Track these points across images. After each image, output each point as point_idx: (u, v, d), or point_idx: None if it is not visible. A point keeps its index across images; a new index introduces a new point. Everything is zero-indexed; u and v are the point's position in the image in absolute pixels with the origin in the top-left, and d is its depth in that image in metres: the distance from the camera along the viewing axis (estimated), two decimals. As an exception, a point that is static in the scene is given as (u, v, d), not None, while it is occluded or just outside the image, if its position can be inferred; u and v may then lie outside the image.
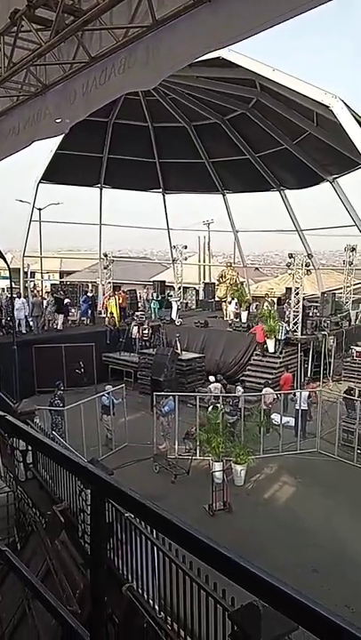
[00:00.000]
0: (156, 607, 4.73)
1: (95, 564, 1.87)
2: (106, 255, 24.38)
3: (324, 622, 0.99)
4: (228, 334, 20.09)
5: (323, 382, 18.18)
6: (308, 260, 20.31)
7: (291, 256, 19.81)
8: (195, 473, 11.38)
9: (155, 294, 25.27)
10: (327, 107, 15.18)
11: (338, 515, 9.90)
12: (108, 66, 4.40)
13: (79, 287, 25.31)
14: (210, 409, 13.25)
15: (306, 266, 19.49)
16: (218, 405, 13.03)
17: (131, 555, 4.92)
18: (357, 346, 20.79)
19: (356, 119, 15.13)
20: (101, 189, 26.77)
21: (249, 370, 18.00)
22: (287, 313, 19.16)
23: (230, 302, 21.80)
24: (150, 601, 4.71)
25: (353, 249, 23.33)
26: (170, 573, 4.52)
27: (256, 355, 18.43)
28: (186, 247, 26.93)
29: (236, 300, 21.68)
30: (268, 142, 22.97)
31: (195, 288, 29.89)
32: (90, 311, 22.44)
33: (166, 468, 11.58)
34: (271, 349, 17.95)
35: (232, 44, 4.20)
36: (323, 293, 22.90)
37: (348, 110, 14.98)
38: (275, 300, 22.55)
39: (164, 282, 29.09)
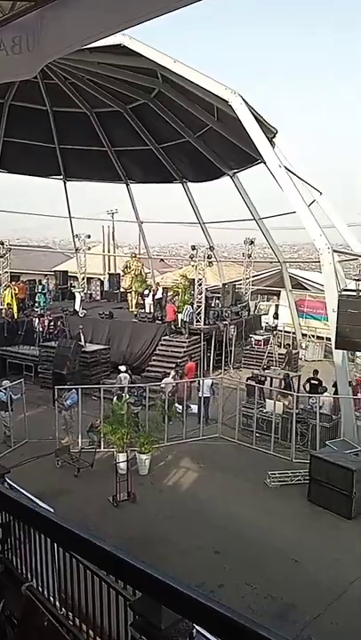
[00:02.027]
0: (57, 604, 4.61)
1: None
2: (2, 243, 23.12)
3: (210, 614, 0.99)
4: (133, 325, 20.06)
5: (224, 370, 18.86)
6: (210, 253, 20.87)
7: (193, 248, 20.20)
8: (99, 465, 11.27)
9: (40, 286, 24.45)
10: (226, 101, 15.56)
11: (237, 496, 10.32)
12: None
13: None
14: (115, 400, 13.15)
15: (208, 258, 20.01)
16: (123, 396, 12.97)
17: (30, 553, 4.73)
18: (256, 334, 21.82)
19: (254, 115, 15.67)
20: (-4, 174, 25.35)
21: (154, 360, 18.14)
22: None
23: (148, 294, 21.74)
24: (51, 598, 4.58)
25: (252, 242, 24.30)
26: (70, 568, 4.41)
27: (161, 345, 18.63)
28: (89, 236, 26.42)
29: (147, 290, 21.83)
30: (170, 134, 23.12)
31: (99, 279, 29.47)
32: (-16, 303, 21.22)
33: (69, 463, 11.32)
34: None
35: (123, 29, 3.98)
36: (224, 285, 23.64)
37: (247, 106, 15.46)
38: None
39: (67, 272, 28.35)
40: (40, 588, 4.60)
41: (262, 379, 15.75)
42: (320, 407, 12.77)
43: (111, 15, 3.20)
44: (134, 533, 8.82)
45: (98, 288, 28.04)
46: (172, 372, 15.40)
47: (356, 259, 17.00)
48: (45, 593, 4.58)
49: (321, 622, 6.77)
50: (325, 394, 14.15)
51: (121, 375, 15.33)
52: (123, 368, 15.81)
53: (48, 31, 3.56)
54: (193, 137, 22.61)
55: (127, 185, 27.89)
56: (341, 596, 7.26)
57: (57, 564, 4.59)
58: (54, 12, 3.51)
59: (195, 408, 14.19)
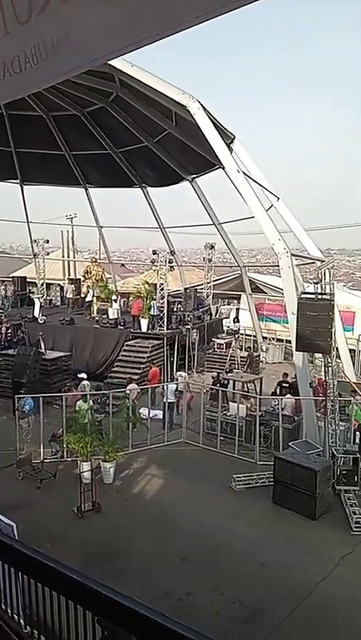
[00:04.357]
0: (22, 622, 4.46)
1: None
2: None
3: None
4: (95, 331, 19.84)
5: (188, 374, 18.87)
6: (172, 257, 20.93)
7: (155, 253, 20.19)
8: (62, 475, 11.02)
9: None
10: (184, 106, 15.63)
11: (203, 501, 10.31)
12: None
13: None
14: (77, 408, 12.91)
15: (169, 262, 20.06)
16: (85, 404, 12.75)
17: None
18: (218, 338, 21.98)
19: (212, 121, 15.81)
20: None
21: (117, 366, 17.98)
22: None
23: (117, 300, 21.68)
24: (15, 616, 4.43)
25: (212, 247, 24.52)
26: (35, 586, 4.27)
27: (124, 350, 18.49)
28: (48, 241, 25.97)
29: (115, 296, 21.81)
30: (129, 138, 23.06)
31: (59, 284, 29.00)
32: None
33: (31, 474, 11.03)
34: (144, 328, 19.10)
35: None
36: (186, 289, 23.72)
37: (205, 112, 15.59)
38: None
39: (26, 278, 27.75)
40: (3, 606, 4.46)
41: (225, 382, 15.87)
42: (282, 409, 12.96)
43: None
44: (100, 544, 8.67)
45: (58, 294, 27.59)
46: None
47: (314, 262, 17.38)
48: (9, 612, 4.45)
49: (289, 624, 6.82)
50: (288, 395, 14.38)
51: (84, 382, 15.12)
52: (84, 375, 15.61)
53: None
54: (152, 142, 22.61)
55: (86, 189, 27.61)
56: (308, 598, 7.34)
57: (20, 581, 4.46)
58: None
59: (159, 414, 14.13)
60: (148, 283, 21.44)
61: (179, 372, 17.48)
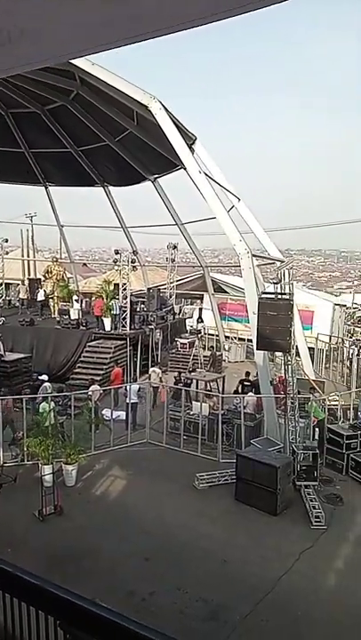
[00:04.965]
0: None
1: None
2: None
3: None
4: (57, 332, 19.56)
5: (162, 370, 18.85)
6: (134, 257, 20.85)
7: (117, 252, 20.08)
8: (23, 479, 10.82)
9: None
10: (146, 106, 15.61)
11: (166, 500, 10.35)
12: None
13: None
14: (39, 410, 12.70)
15: (132, 262, 19.99)
16: (47, 406, 12.55)
17: None
18: (181, 338, 22.06)
19: (173, 122, 15.84)
20: None
21: (79, 367, 17.77)
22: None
23: (79, 300, 21.41)
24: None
25: (175, 247, 24.58)
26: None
27: (86, 351, 18.31)
28: (7, 240, 25.44)
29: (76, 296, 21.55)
30: (90, 137, 22.80)
31: (19, 284, 28.40)
32: None
33: (-9, 479, 10.78)
34: (108, 327, 19.06)
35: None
36: (149, 289, 23.67)
37: (166, 112, 15.61)
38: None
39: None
40: None
41: (188, 381, 15.96)
42: (244, 407, 13.14)
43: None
44: (62, 547, 8.57)
45: (17, 294, 27.01)
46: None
47: (274, 263, 17.69)
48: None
49: (251, 621, 6.93)
50: (249, 394, 14.59)
51: (46, 384, 14.86)
52: (45, 377, 15.36)
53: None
54: (113, 141, 22.45)
55: (46, 188, 27.15)
56: (270, 593, 7.48)
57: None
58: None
59: (122, 414, 14.07)
60: (108, 282, 21.32)
61: (152, 368, 17.62)
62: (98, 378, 16.15)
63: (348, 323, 28.16)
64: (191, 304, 29.09)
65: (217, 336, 24.47)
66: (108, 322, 19.10)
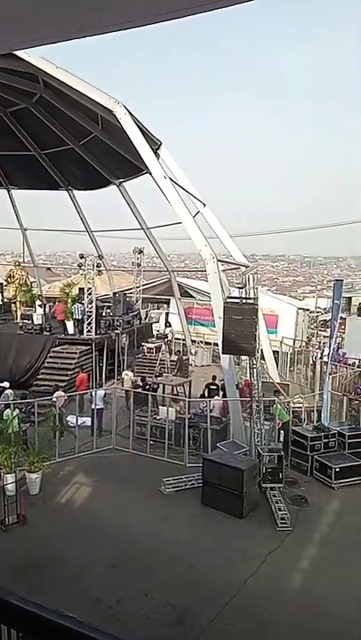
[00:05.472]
0: None
1: None
2: None
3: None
4: (19, 337, 19.18)
5: (117, 379, 18.73)
6: (100, 261, 20.71)
7: (82, 256, 19.89)
8: (-16, 489, 10.53)
9: None
10: (111, 111, 15.56)
11: (132, 506, 10.26)
12: None
13: None
14: (2, 418, 12.40)
15: (97, 267, 19.84)
16: (10, 413, 12.26)
17: None
18: (148, 342, 21.99)
19: (138, 126, 15.84)
20: None
21: (43, 373, 17.47)
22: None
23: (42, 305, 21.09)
24: None
25: (140, 251, 24.54)
26: None
27: (50, 357, 18.02)
28: (-33, 245, 24.81)
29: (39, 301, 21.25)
30: (54, 140, 22.55)
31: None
32: None
33: None
34: (71, 331, 19.05)
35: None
36: (114, 293, 23.56)
37: (131, 117, 15.60)
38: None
39: None
40: None
41: (155, 386, 15.91)
42: (210, 410, 13.19)
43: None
44: (26, 556, 8.37)
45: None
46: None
47: (239, 268, 17.88)
48: None
49: (218, 624, 6.94)
50: (216, 397, 14.67)
51: (7, 391, 14.51)
52: (6, 384, 14.99)
53: None
54: (77, 144, 22.27)
55: (8, 191, 26.69)
56: (236, 596, 7.50)
57: None
58: None
59: (88, 421, 13.89)
60: (70, 285, 21.15)
61: (125, 372, 17.66)
62: (62, 384, 15.93)
63: (312, 326, 28.76)
64: (158, 308, 29.08)
65: (184, 340, 24.52)
66: (70, 325, 18.89)
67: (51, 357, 18.00)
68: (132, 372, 18.24)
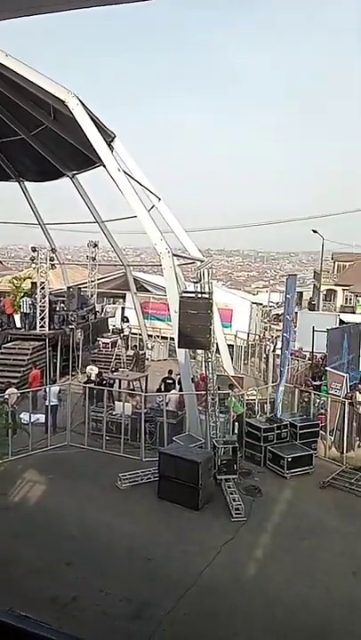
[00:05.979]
0: None
1: None
2: None
3: None
4: (-31, 334, 18.58)
5: (72, 375, 18.48)
6: (53, 255, 20.32)
7: (34, 250, 19.45)
8: None
9: None
10: (63, 101, 15.23)
11: (88, 503, 10.18)
12: None
13: None
14: None
15: (50, 260, 19.45)
16: None
17: None
18: (103, 337, 21.81)
19: (91, 118, 15.60)
20: None
21: (-6, 369, 17.01)
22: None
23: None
24: None
25: (95, 245, 24.24)
26: None
27: (1, 353, 17.57)
28: None
29: None
30: (3, 130, 21.85)
31: None
32: None
33: None
34: (18, 325, 18.87)
35: None
36: (69, 288, 23.17)
37: (84, 108, 15.33)
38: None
39: None
40: None
41: (111, 381, 15.81)
42: (167, 404, 13.24)
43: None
44: (-22, 559, 8.16)
45: None
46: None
47: (194, 262, 17.99)
48: None
49: (175, 615, 7.02)
50: (172, 391, 14.74)
51: None
52: None
53: None
54: (29, 134, 21.68)
55: None
56: (192, 587, 7.60)
57: None
58: None
59: (41, 418, 13.66)
60: (18, 278, 20.70)
61: (89, 367, 17.57)
62: (15, 380, 15.59)
63: (265, 320, 29.34)
64: (113, 303, 28.83)
65: (140, 335, 24.46)
66: (17, 318, 18.50)
67: (2, 354, 17.56)
68: (74, 371, 17.99)
